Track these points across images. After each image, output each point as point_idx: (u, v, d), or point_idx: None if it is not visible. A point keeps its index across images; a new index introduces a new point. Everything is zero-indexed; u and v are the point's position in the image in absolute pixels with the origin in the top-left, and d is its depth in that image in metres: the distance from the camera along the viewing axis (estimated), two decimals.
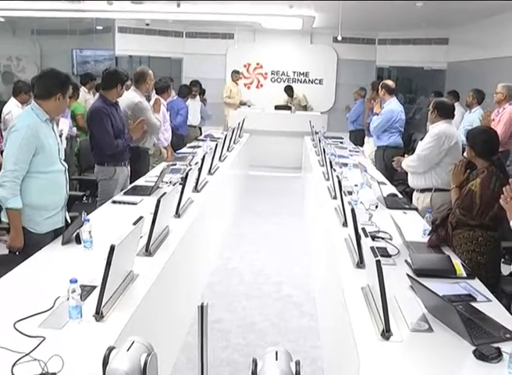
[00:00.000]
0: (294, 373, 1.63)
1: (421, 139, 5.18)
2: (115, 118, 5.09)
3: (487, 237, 3.57)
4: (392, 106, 7.26)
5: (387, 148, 7.23)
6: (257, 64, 13.42)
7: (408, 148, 8.66)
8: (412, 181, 5.03)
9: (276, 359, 1.66)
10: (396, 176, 6.91)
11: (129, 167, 5.35)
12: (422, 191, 4.92)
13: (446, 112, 4.92)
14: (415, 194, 5.05)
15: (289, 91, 12.40)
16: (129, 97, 5.65)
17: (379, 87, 7.54)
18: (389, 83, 7.60)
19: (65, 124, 7.02)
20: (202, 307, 1.59)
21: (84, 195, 5.62)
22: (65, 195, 3.67)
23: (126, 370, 1.66)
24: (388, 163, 7.15)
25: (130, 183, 5.34)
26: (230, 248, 6.19)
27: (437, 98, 5.30)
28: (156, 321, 3.02)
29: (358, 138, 9.63)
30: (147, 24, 12.14)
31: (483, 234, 3.57)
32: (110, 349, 1.74)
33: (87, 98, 8.98)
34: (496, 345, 2.28)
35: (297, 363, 1.65)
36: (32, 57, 13.46)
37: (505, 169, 3.84)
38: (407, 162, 5.02)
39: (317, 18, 10.34)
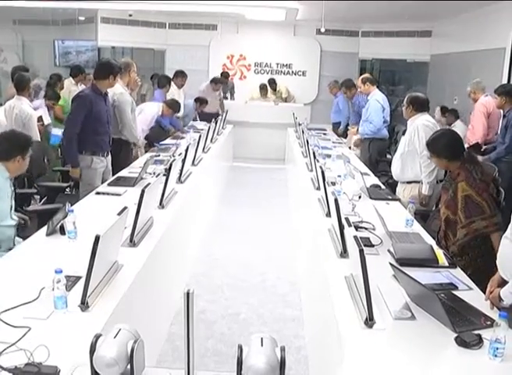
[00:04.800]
0: (279, 358, 1.65)
1: (403, 133, 5.23)
2: (98, 108, 5.11)
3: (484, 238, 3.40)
4: (377, 96, 7.32)
5: (373, 140, 7.27)
6: (241, 56, 13.37)
7: (391, 139, 8.72)
8: (399, 174, 5.05)
9: (262, 345, 1.68)
10: (379, 167, 6.98)
11: (109, 157, 5.37)
12: (409, 182, 4.97)
13: (421, 106, 4.99)
14: (401, 186, 5.08)
15: (272, 84, 12.42)
16: (115, 91, 5.68)
17: (361, 83, 7.52)
18: (369, 75, 7.74)
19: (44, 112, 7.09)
20: (188, 294, 1.61)
21: (68, 186, 5.58)
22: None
23: (113, 357, 1.68)
24: (372, 155, 7.21)
25: (113, 174, 5.34)
26: (214, 239, 6.20)
27: (410, 93, 5.32)
28: (141, 311, 3.02)
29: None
30: (130, 15, 12.04)
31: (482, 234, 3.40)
32: (97, 337, 1.75)
33: (72, 89, 8.91)
34: (476, 332, 2.32)
35: (282, 349, 1.67)
36: (13, 47, 13.29)
37: (476, 160, 3.73)
38: (426, 170, 4.79)
39: (300, 10, 10.32)
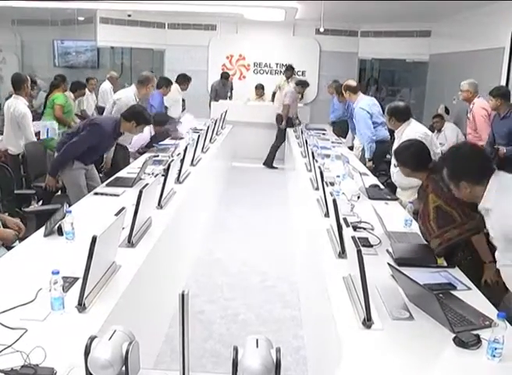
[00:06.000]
0: (275, 359, 1.65)
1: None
2: (106, 145, 5.25)
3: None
4: (361, 104, 6.97)
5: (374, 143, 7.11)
6: (240, 56, 13.37)
7: (391, 139, 8.69)
8: (404, 185, 5.00)
9: (257, 347, 1.67)
10: (379, 167, 6.93)
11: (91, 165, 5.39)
12: (413, 187, 4.94)
13: (403, 115, 5.00)
14: (401, 192, 5.02)
15: (287, 71, 11.81)
16: (126, 94, 6.06)
17: (342, 91, 7.39)
18: (351, 83, 7.35)
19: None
20: (183, 295, 1.60)
21: (65, 187, 5.57)
22: None
23: (108, 359, 1.67)
24: (373, 158, 7.07)
25: (110, 175, 5.34)
26: (213, 239, 6.19)
27: (390, 104, 5.28)
28: (139, 312, 3.02)
29: (342, 129, 9.62)
30: (129, 15, 12.05)
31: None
32: (92, 338, 1.74)
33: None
34: (475, 332, 2.32)
35: (278, 350, 1.66)
36: (12, 48, 13.31)
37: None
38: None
39: (299, 9, 10.32)
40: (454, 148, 3.22)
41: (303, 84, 10.50)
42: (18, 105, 6.11)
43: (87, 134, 4.98)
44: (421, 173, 3.69)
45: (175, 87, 8.78)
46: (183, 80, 9.06)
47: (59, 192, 5.52)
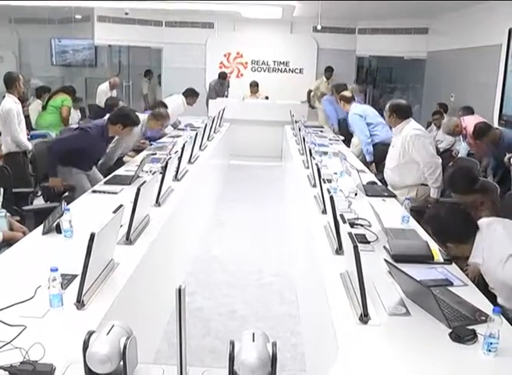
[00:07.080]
0: (271, 353, 1.66)
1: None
2: (98, 150, 5.34)
3: None
4: (353, 110, 7.28)
5: (376, 145, 6.99)
6: (238, 53, 13.37)
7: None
8: (397, 182, 5.04)
9: (253, 341, 1.69)
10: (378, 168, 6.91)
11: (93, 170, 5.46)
12: (406, 186, 4.99)
13: (404, 113, 5.04)
14: (397, 191, 5.05)
15: (327, 72, 12.00)
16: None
17: (338, 100, 7.67)
18: (346, 93, 7.72)
19: None
20: (180, 290, 1.61)
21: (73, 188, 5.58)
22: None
23: (106, 353, 1.68)
24: (376, 160, 7.04)
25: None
26: (211, 237, 6.21)
27: (392, 101, 5.32)
28: (137, 309, 3.03)
29: (343, 128, 9.57)
30: (127, 13, 12.02)
31: None
32: (90, 333, 1.76)
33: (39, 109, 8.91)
34: (471, 327, 2.33)
35: (274, 344, 1.68)
36: (10, 46, 13.29)
37: (490, 187, 3.91)
38: (432, 177, 4.91)
39: (297, 7, 10.32)
40: (433, 211, 3.28)
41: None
42: (6, 102, 6.13)
43: (73, 136, 5.14)
44: (474, 195, 3.87)
45: (181, 99, 8.78)
46: (191, 94, 8.94)
47: (67, 193, 5.55)
